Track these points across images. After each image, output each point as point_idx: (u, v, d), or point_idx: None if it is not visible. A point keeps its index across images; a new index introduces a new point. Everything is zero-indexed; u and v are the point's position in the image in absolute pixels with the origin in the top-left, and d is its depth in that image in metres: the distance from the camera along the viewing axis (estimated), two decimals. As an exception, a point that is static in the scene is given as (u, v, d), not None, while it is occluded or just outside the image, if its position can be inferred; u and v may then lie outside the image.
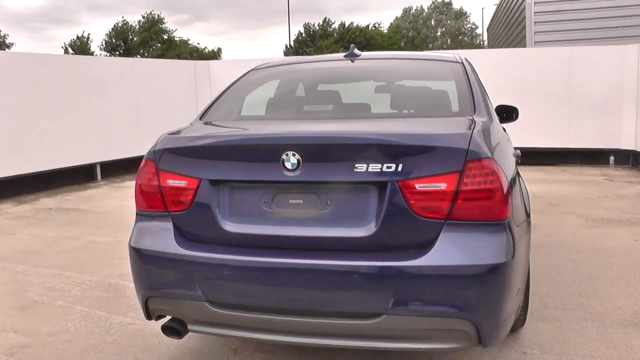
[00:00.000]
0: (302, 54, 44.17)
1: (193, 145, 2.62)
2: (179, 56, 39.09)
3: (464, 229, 2.31)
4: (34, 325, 3.59)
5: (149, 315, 2.72)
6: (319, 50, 43.05)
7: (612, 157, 9.76)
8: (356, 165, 2.31)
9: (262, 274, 2.42)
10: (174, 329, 2.64)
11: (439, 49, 53.76)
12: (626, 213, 6.33)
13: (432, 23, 59.95)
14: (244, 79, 3.51)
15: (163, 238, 2.59)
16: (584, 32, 12.88)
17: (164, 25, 44.27)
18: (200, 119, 3.16)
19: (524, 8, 13.72)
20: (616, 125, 9.66)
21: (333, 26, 48.75)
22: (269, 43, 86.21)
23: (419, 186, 2.28)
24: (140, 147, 10.38)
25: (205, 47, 47.56)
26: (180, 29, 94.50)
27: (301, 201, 2.46)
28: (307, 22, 50.07)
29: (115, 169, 10.07)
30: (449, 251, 2.28)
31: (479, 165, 2.27)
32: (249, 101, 3.37)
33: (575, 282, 4.13)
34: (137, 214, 2.77)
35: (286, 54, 45.29)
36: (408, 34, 56.85)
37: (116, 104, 9.93)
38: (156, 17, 44.06)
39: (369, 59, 3.67)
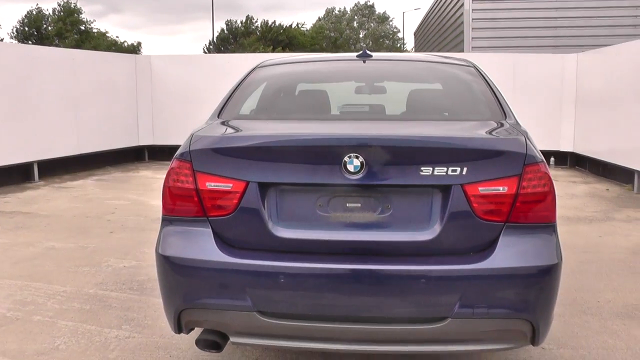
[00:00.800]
0: (224, 51, 43.51)
1: (239, 146, 2.43)
2: (95, 49, 37.22)
3: (521, 232, 2.34)
4: (16, 344, 3.23)
5: (179, 329, 2.50)
6: (242, 48, 42.59)
7: (552, 158, 10.30)
8: (422, 168, 2.27)
9: (322, 281, 2.31)
10: (212, 342, 2.46)
11: (359, 50, 54.57)
12: (582, 211, 6.68)
13: (355, 25, 60.89)
14: (253, 76, 3.34)
15: (201, 245, 2.39)
16: (520, 39, 13.52)
17: (81, 16, 42.03)
18: (218, 117, 2.96)
19: (462, 14, 14.20)
20: (556, 129, 10.20)
21: (255, 24, 48.37)
22: (187, 38, 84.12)
23: (482, 189, 2.28)
24: (79, 144, 9.78)
25: (125, 41, 45.68)
26: (96, 21, 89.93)
27: (359, 205, 2.37)
28: (229, 19, 49.39)
29: (54, 168, 9.40)
30: (510, 253, 2.31)
31: (536, 169, 2.32)
32: (269, 99, 3.23)
33: (562, 278, 4.27)
34: (164, 219, 2.54)
35: (208, 50, 44.44)
36: (330, 35, 57.39)
37: (54, 97, 9.25)
38: (73, 7, 41.72)
39: (383, 60, 3.61)
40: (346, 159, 2.26)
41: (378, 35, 59.30)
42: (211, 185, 2.38)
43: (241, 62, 10.76)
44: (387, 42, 59.09)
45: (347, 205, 2.36)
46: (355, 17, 60.82)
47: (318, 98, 3.21)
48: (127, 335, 3.32)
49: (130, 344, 3.22)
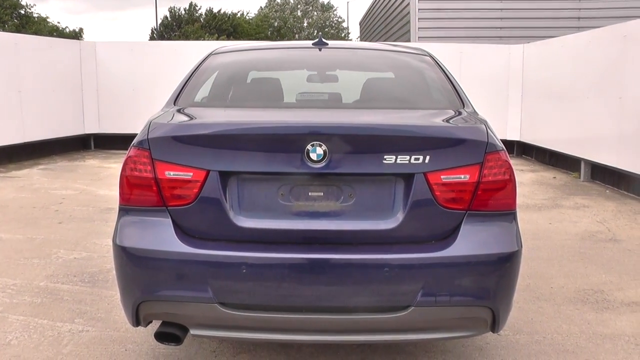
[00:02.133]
0: (169, 38, 42.48)
1: (200, 134, 2.36)
2: (36, 34, 35.46)
3: (482, 220, 2.37)
4: (-38, 340, 3.07)
5: (137, 322, 2.42)
6: (185, 36, 41.69)
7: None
8: (385, 157, 2.26)
9: (284, 272, 2.28)
10: (172, 335, 2.39)
11: (305, 39, 54.45)
12: (530, 199, 6.88)
13: (299, 14, 60.49)
14: (208, 63, 3.24)
15: (161, 235, 2.32)
16: (466, 30, 13.77)
17: (20, 0, 39.97)
18: (174, 104, 2.87)
19: (408, 4, 14.34)
20: (502, 118, 10.46)
21: (199, 11, 47.39)
22: (129, 25, 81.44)
23: (444, 177, 2.30)
24: (24, 132, 9.36)
25: (67, 27, 43.84)
26: (36, 5, 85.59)
27: (322, 194, 2.35)
28: (172, 6, 48.02)
29: (-3, 157, 8.99)
30: (472, 241, 2.33)
31: (497, 157, 2.35)
32: (225, 87, 3.16)
33: (515, 265, 4.40)
34: (121, 209, 2.44)
35: (152, 37, 43.33)
36: (274, 24, 56.84)
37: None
38: (11, -10, 39.60)
39: (339, 48, 3.60)
40: (309, 147, 2.23)
41: (322, 24, 59.14)
42: (170, 174, 2.31)
43: (189, 50, 10.65)
44: (331, 31, 59.02)
45: (310, 194, 2.34)
46: (299, 6, 60.39)
47: (275, 86, 3.17)
48: (80, 329, 3.20)
49: (84, 338, 3.10)
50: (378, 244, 2.32)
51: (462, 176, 2.31)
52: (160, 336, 2.40)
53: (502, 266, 2.35)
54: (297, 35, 56.33)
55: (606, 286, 3.99)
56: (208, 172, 2.28)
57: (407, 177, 2.29)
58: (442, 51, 10.34)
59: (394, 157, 2.26)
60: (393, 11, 16.95)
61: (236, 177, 2.32)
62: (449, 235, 2.33)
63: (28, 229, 5.25)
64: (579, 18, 13.73)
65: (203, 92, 3.05)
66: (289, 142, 2.28)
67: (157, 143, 2.33)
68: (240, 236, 2.31)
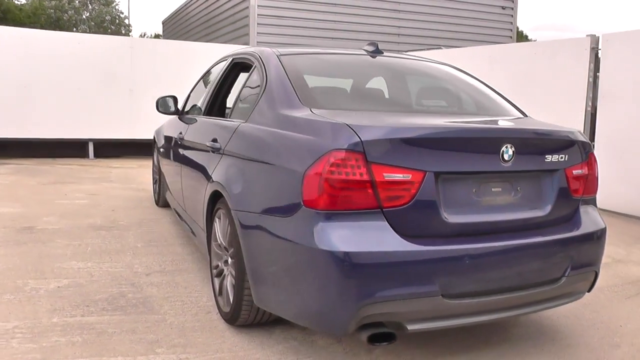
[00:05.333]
0: None
1: (417, 136, 2.50)
2: None
3: (586, 204, 3.05)
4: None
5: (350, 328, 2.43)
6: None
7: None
8: (546, 156, 2.77)
9: (492, 259, 2.59)
10: (387, 334, 2.48)
11: (84, 32, 50.41)
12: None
13: (77, 4, 55.67)
14: (290, 66, 3.26)
15: (381, 237, 2.40)
16: (302, 38, 14.51)
17: None
18: (303, 105, 2.89)
19: (247, 7, 14.50)
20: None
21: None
22: None
23: (574, 172, 2.90)
24: None
25: None
26: None
27: (500, 189, 2.71)
28: None
29: None
30: (587, 221, 2.98)
31: (592, 155, 3.04)
32: (340, 90, 3.41)
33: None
34: (318, 214, 2.40)
35: None
36: (52, 14, 51.46)
37: None
38: None
39: (395, 57, 3.87)
40: (504, 148, 2.59)
41: (103, 18, 55.32)
42: (389, 176, 2.40)
43: (94, 42, 10.10)
44: (112, 26, 55.54)
45: (492, 190, 2.69)
46: (78, -3, 55.44)
47: (383, 91, 3.41)
48: (180, 359, 2.83)
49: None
50: (539, 228, 2.78)
51: (581, 170, 2.93)
52: (375, 338, 2.46)
53: (602, 238, 3.02)
54: (74, 29, 51.48)
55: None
56: (425, 173, 2.43)
57: (554, 172, 2.83)
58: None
59: (551, 156, 2.78)
60: (222, 13, 16.84)
61: (442, 177, 2.52)
62: (571, 218, 2.93)
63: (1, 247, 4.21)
64: (399, 35, 15.56)
65: (315, 93, 3.09)
66: (490, 144, 2.61)
67: (372, 146, 2.38)
68: (450, 231, 2.53)
